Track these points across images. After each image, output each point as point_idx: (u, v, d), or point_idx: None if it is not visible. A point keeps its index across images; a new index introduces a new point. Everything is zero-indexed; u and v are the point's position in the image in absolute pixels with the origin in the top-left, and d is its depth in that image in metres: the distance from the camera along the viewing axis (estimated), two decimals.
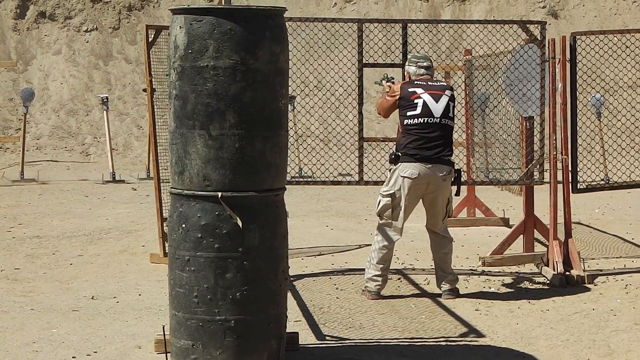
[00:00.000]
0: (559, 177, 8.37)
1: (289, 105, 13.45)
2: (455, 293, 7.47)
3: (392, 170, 7.47)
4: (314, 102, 9.28)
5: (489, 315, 6.94)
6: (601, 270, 8.36)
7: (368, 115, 16.79)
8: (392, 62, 8.97)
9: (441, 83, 7.67)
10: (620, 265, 8.58)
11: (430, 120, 7.41)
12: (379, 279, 7.42)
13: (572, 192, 8.41)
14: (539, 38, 8.52)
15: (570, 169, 8.38)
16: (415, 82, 7.57)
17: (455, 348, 6.11)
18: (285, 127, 5.61)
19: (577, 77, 8.43)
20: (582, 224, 10.91)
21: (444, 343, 6.22)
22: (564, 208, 8.30)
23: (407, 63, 7.73)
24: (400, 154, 7.42)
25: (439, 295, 7.48)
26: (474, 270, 8.52)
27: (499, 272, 8.46)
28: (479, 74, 9.94)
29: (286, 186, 5.80)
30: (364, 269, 7.65)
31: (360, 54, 8.41)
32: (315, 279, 8.14)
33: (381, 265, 7.41)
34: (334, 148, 11.21)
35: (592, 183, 8.72)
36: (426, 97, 7.44)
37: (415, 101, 7.43)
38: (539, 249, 9.02)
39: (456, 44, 11.20)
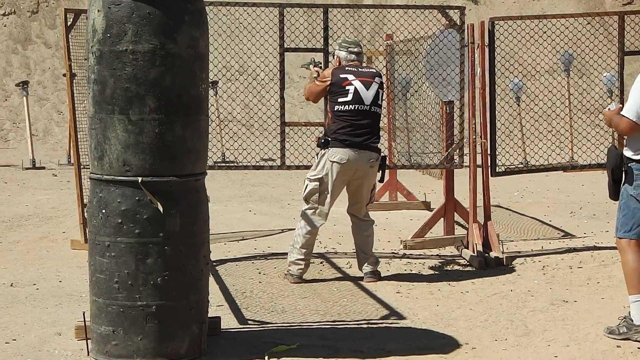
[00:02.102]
0: (479, 161, 8.48)
1: (211, 90, 13.44)
2: (377, 275, 7.54)
3: (320, 155, 7.48)
4: (235, 87, 9.24)
5: (410, 298, 7.01)
6: (519, 252, 8.50)
7: (290, 100, 16.79)
8: (314, 46, 8.95)
9: (371, 70, 7.69)
10: (537, 247, 8.74)
11: (361, 107, 7.45)
12: (302, 262, 7.44)
13: (491, 176, 8.52)
14: (458, 23, 8.60)
15: (489, 152, 8.48)
16: (346, 68, 7.58)
17: (377, 330, 6.16)
18: (205, 112, 5.58)
19: (496, 61, 8.53)
20: (501, 207, 11.07)
21: (365, 325, 6.27)
22: (483, 191, 8.42)
23: (337, 48, 7.73)
24: (330, 139, 7.44)
25: (361, 278, 7.53)
26: (395, 253, 8.59)
27: (420, 255, 8.54)
28: (400, 58, 10.01)
29: (209, 171, 5.78)
30: (286, 253, 7.66)
31: (281, 39, 8.41)
32: (238, 264, 8.14)
33: (305, 250, 7.44)
34: (257, 133, 11.23)
35: (511, 166, 8.85)
36: (357, 84, 7.48)
37: (347, 88, 7.46)
38: (459, 231, 9.14)
39: (377, 29, 11.25)
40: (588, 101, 9.37)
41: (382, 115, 7.70)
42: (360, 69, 7.60)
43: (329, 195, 7.43)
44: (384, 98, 7.72)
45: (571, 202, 11.46)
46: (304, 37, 9.50)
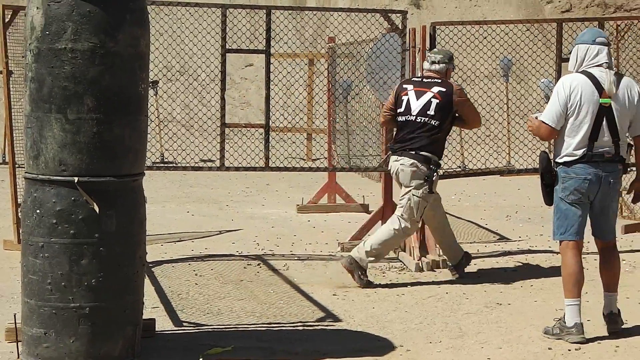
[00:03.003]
0: None
1: (152, 90, 13.36)
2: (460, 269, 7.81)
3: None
4: (176, 87, 9.22)
5: (346, 300, 7.04)
6: None
7: (231, 101, 16.73)
8: (256, 48, 8.95)
9: (435, 80, 7.69)
10: (473, 251, 8.80)
11: (408, 117, 7.63)
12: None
13: None
14: (400, 27, 8.65)
15: None
16: (413, 79, 7.86)
17: (312, 332, 6.18)
18: (145, 112, 5.55)
19: None
20: None
21: (301, 328, 6.28)
22: None
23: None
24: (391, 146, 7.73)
25: (298, 281, 7.55)
26: (332, 255, 8.62)
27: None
28: (342, 61, 10.05)
29: (147, 172, 5.75)
30: (224, 255, 7.66)
31: (223, 39, 8.39)
32: (175, 265, 8.10)
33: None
34: (196, 134, 11.15)
35: (449, 170, 8.93)
36: (411, 94, 7.67)
37: (403, 98, 7.68)
38: None
39: (320, 31, 11.29)
40: (525, 106, 9.50)
41: (437, 124, 7.57)
42: (425, 80, 7.73)
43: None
44: (446, 108, 7.58)
45: (507, 206, 11.59)
46: (246, 38, 9.50)
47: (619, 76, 6.07)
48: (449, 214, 10.88)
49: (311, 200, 11.16)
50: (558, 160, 6.07)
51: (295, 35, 16.59)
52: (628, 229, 9.50)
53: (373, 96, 9.08)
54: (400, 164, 7.61)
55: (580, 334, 5.93)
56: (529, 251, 8.76)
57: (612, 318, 6.17)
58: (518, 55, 9.40)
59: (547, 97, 11.05)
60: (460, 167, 12.97)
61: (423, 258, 8.16)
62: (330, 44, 10.84)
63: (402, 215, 7.64)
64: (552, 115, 6.02)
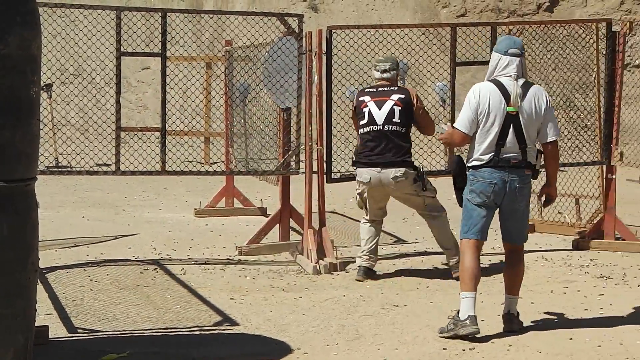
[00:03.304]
0: (315, 167, 8.58)
1: (46, 93, 13.13)
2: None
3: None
4: (70, 90, 9.07)
5: (244, 304, 7.03)
6: (353, 258, 8.62)
7: (127, 105, 16.56)
8: (152, 51, 8.87)
9: (392, 88, 7.87)
10: None
11: (374, 128, 7.81)
12: (364, 254, 7.94)
13: (327, 182, 8.63)
14: (296, 31, 8.69)
15: (325, 159, 8.59)
16: (367, 90, 7.99)
17: (209, 337, 6.15)
18: (36, 116, 5.45)
19: (333, 69, 8.65)
20: (336, 213, 11.23)
21: (197, 332, 6.25)
22: (318, 198, 8.52)
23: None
24: (356, 160, 7.95)
25: (194, 285, 7.52)
26: (230, 259, 8.60)
27: (255, 261, 8.58)
28: (239, 65, 10.03)
29: (41, 177, 5.66)
30: (120, 260, 7.58)
31: (118, 42, 8.30)
32: (69, 271, 7.97)
33: (365, 244, 7.97)
34: (91, 137, 11.03)
35: (346, 173, 8.97)
36: (371, 105, 7.85)
37: (364, 110, 7.86)
38: (294, 237, 9.22)
39: (216, 34, 11.24)
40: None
41: (404, 130, 7.81)
42: (380, 89, 7.88)
43: (372, 205, 7.95)
44: (408, 113, 7.82)
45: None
46: (141, 41, 9.40)
47: (527, 86, 6.29)
48: (347, 217, 11.01)
49: (209, 204, 11.11)
50: (468, 164, 6.32)
51: (192, 39, 16.51)
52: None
53: (270, 99, 9.10)
54: (395, 175, 7.76)
55: (474, 324, 6.08)
56: (425, 253, 8.88)
57: (509, 318, 6.35)
58: (414, 59, 9.49)
59: (443, 101, 11.22)
60: None
61: (320, 261, 8.19)
62: (227, 47, 10.81)
63: (431, 212, 7.90)
64: (464, 122, 6.28)
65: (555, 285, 7.67)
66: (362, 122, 7.88)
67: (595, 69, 9.43)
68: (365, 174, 7.85)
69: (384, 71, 7.95)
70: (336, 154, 8.85)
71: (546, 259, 8.66)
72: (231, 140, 10.71)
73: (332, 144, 8.69)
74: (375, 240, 7.99)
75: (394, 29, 9.15)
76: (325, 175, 8.61)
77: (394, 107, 7.79)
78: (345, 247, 9.16)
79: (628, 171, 13.72)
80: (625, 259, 8.67)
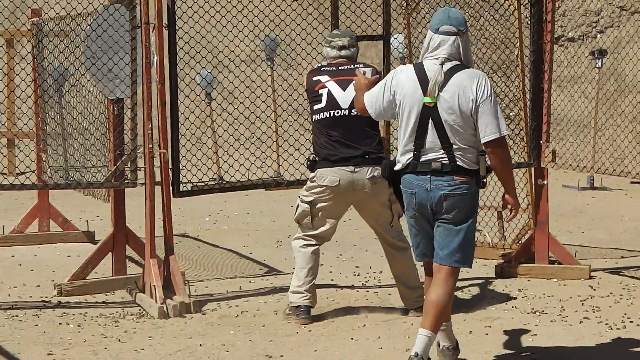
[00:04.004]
0: (158, 177, 8.53)
1: None
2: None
3: (310, 177, 7.98)
4: None
5: None
6: (211, 295, 8.63)
7: None
8: None
9: (357, 66, 7.83)
10: (234, 288, 8.91)
11: (337, 112, 7.86)
12: (303, 290, 7.97)
13: (174, 196, 8.60)
14: None
15: (171, 166, 8.55)
16: (322, 69, 8.03)
17: None
18: None
19: (179, 48, 8.62)
20: (188, 237, 11.21)
21: None
22: (163, 217, 8.48)
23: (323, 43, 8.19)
24: (317, 159, 7.98)
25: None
26: (47, 302, 8.50)
27: (80, 302, 8.49)
28: (51, 42, 9.91)
29: None
30: None
31: None
32: None
33: (304, 277, 7.99)
34: None
35: (200, 184, 8.95)
36: (331, 85, 7.88)
37: (320, 92, 7.87)
38: (133, 270, 9.15)
39: (19, 2, 11.03)
40: (296, 99, 9.65)
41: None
42: (341, 67, 7.93)
43: (325, 220, 7.96)
44: None
45: (278, 229, 11.77)
46: None
47: (453, 71, 6.41)
48: (203, 241, 11.00)
49: (16, 229, 10.95)
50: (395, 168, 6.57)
51: None
52: None
53: (95, 88, 9.02)
54: (373, 175, 7.81)
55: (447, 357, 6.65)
56: None
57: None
58: (284, 34, 9.55)
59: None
60: (215, 179, 13.04)
61: (168, 300, 8.16)
62: (34, 19, 10.68)
63: (399, 239, 8.04)
64: (371, 95, 6.65)
65: (474, 324, 7.80)
66: (318, 107, 7.92)
67: (518, 44, 9.62)
68: (331, 175, 7.85)
69: (342, 47, 8.06)
70: (185, 159, 8.82)
71: (462, 291, 8.81)
72: (44, 142, 10.57)
73: (180, 145, 8.66)
74: (316, 271, 8.04)
75: None
76: (171, 188, 8.58)
77: None
78: (201, 281, 9.15)
79: (564, 174, 14.10)
80: (562, 289, 8.89)
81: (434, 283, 6.52)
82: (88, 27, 8.73)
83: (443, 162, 6.37)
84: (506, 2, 9.84)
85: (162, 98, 8.48)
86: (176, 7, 8.60)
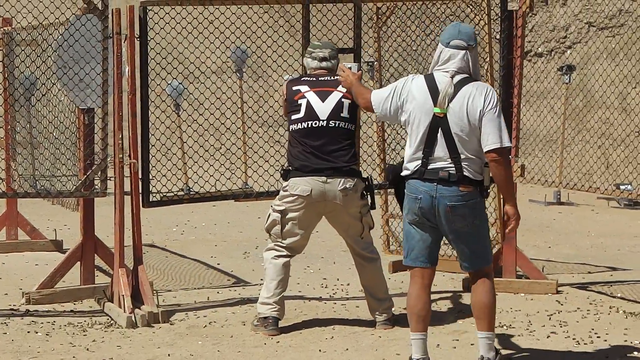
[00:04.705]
0: (127, 187, 8.55)
1: None
2: (391, 322, 8.01)
3: (283, 186, 7.99)
4: None
5: None
6: (179, 305, 8.65)
7: None
8: None
9: (337, 78, 7.80)
10: (202, 298, 8.92)
11: (315, 124, 7.90)
12: (271, 302, 7.99)
13: (143, 206, 8.61)
14: (100, 7, 8.64)
15: (140, 176, 8.57)
16: (302, 79, 8.07)
17: None
18: None
19: (150, 58, 8.65)
20: (156, 247, 11.21)
21: None
22: (132, 227, 8.49)
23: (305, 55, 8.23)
24: (290, 168, 7.98)
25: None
26: (15, 310, 8.49)
27: (49, 311, 8.49)
28: (22, 51, 9.93)
29: None
30: None
31: None
32: None
33: (274, 288, 8.00)
34: None
35: (169, 194, 8.98)
36: (311, 96, 7.92)
37: (299, 102, 7.90)
38: (101, 279, 9.16)
39: None
40: (266, 111, 9.70)
41: (353, 128, 7.99)
42: (321, 78, 7.98)
43: (295, 230, 7.96)
44: (356, 108, 7.96)
45: (245, 240, 11.80)
46: None
47: (462, 83, 6.63)
48: (170, 252, 11.02)
49: None
50: (402, 173, 6.76)
51: None
52: (396, 267, 9.88)
53: (66, 97, 9.03)
54: (345, 187, 7.85)
55: None
56: None
57: None
58: (255, 46, 9.60)
59: None
60: (183, 189, 13.06)
61: (137, 310, 8.17)
62: (5, 28, 10.69)
63: (368, 251, 8.11)
64: (380, 94, 6.89)
65: (441, 338, 7.84)
66: (295, 117, 7.94)
67: (488, 59, 9.70)
68: (303, 184, 7.88)
69: (324, 59, 8.10)
70: (155, 169, 8.84)
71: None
72: (13, 151, 10.58)
73: (150, 155, 8.68)
74: (286, 283, 8.07)
75: (228, 7, 9.21)
76: (141, 198, 8.59)
77: (342, 99, 7.91)
78: (169, 291, 9.16)
79: (531, 189, 14.19)
80: (529, 303, 8.95)
81: (474, 288, 6.83)
82: (60, 37, 8.74)
83: (450, 171, 6.58)
84: (476, 17, 9.92)
85: (133, 108, 8.51)
86: (148, 18, 8.62)
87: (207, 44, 9.36)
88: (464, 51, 6.63)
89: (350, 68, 7.35)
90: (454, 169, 6.58)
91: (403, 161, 6.86)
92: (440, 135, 6.57)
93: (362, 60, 9.25)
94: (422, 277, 6.77)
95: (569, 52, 17.54)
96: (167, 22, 8.80)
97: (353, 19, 9.19)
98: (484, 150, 6.58)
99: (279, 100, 8.62)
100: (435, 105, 6.58)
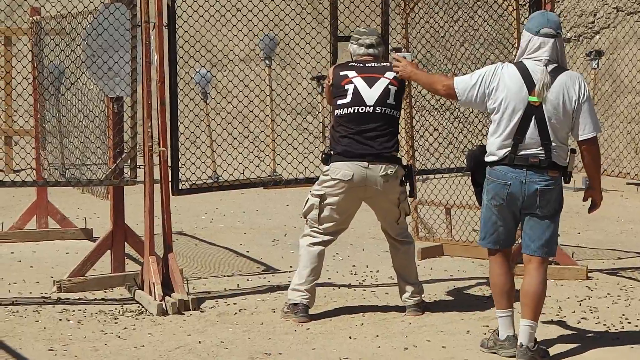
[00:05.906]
0: (157, 175, 8.57)
1: None
2: (421, 307, 8.11)
3: (323, 171, 8.00)
4: None
5: (67, 356, 6.99)
6: (209, 293, 8.67)
7: None
8: None
9: (384, 64, 8.00)
10: (232, 286, 8.95)
11: (362, 109, 7.93)
12: (303, 289, 8.01)
13: (173, 194, 8.64)
14: None
15: (170, 164, 8.60)
16: (350, 64, 8.08)
17: None
18: None
19: (178, 47, 8.67)
20: (186, 235, 11.23)
21: None
22: (162, 215, 8.52)
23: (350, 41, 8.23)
24: (332, 153, 7.99)
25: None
26: (46, 298, 8.53)
27: (80, 299, 8.52)
28: (51, 40, 9.95)
29: None
30: None
31: None
32: None
33: (307, 275, 8.02)
34: None
35: (198, 182, 9.01)
36: (358, 81, 7.96)
37: (346, 87, 7.94)
38: (131, 267, 9.20)
39: (20, 0, 11.09)
40: (294, 98, 9.71)
41: (398, 115, 8.06)
42: (368, 64, 8.02)
43: (333, 215, 7.98)
44: (401, 96, 8.08)
45: (274, 227, 11.81)
46: None
47: (556, 72, 6.76)
48: (200, 239, 11.04)
49: (14, 226, 10.97)
50: (485, 159, 6.92)
51: None
52: (426, 254, 9.89)
53: (95, 86, 9.06)
54: (386, 172, 7.89)
55: (513, 347, 6.86)
56: None
57: (523, 353, 6.83)
58: (283, 33, 9.61)
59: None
60: (212, 177, 13.11)
61: (167, 297, 8.21)
62: (34, 17, 10.71)
63: (403, 236, 8.17)
64: (464, 82, 6.98)
65: (472, 324, 7.85)
66: (342, 102, 7.96)
67: (516, 45, 9.68)
68: (345, 169, 7.90)
69: (370, 46, 8.12)
70: (184, 157, 8.87)
71: (459, 290, 8.87)
72: (43, 140, 10.61)
73: (179, 144, 8.71)
74: (319, 272, 8.10)
75: None
76: (170, 186, 8.62)
77: (389, 86, 7.94)
78: (199, 278, 9.18)
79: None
80: (559, 289, 8.94)
81: (526, 274, 6.94)
82: (88, 26, 8.76)
83: (540, 157, 6.74)
84: (504, 2, 9.90)
85: (162, 97, 8.52)
86: (176, 6, 8.64)
87: (235, 31, 9.38)
88: (553, 39, 6.75)
89: (405, 57, 7.45)
90: (544, 155, 6.73)
91: (482, 146, 7.03)
92: (533, 123, 6.71)
93: (390, 47, 9.26)
94: (502, 256, 7.00)
95: (597, 37, 17.47)
96: (195, 10, 8.82)
97: (381, 6, 9.20)
98: (581, 138, 6.77)
99: (323, 83, 8.64)
100: (530, 94, 6.70)
